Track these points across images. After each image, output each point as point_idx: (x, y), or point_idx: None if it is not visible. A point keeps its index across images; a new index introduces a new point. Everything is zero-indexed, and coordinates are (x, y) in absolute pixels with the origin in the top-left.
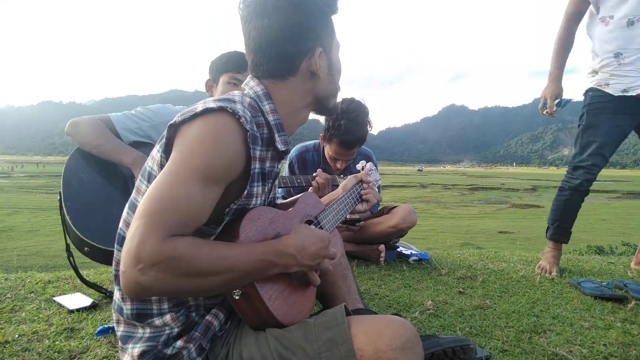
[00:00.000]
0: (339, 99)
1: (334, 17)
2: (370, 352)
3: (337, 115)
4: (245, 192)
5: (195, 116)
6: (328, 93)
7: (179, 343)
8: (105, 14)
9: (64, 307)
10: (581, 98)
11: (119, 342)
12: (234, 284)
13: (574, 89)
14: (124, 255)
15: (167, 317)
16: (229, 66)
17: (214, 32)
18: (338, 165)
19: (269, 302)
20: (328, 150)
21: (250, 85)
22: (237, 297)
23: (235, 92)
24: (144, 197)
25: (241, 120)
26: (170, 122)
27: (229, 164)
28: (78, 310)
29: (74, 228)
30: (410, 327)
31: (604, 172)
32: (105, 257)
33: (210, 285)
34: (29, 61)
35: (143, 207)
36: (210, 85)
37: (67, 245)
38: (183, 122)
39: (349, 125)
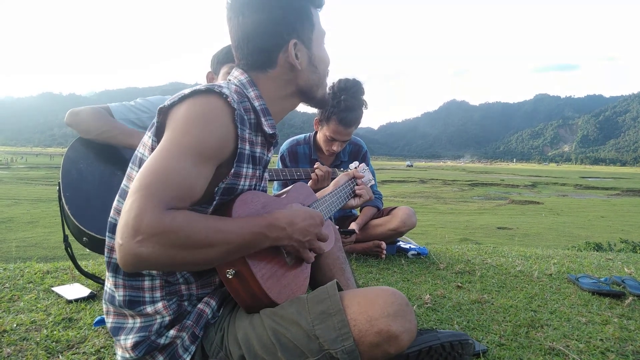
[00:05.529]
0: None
1: (324, 10)
2: (363, 321)
3: (335, 93)
4: (232, 171)
5: (184, 98)
6: (311, 83)
7: (172, 332)
8: (106, 4)
9: (62, 297)
10: (583, 94)
11: (111, 334)
12: (228, 257)
13: (575, 86)
14: (121, 227)
15: (159, 305)
16: (229, 57)
17: (215, 25)
18: (334, 148)
19: (262, 280)
20: (325, 132)
21: (235, 75)
22: (230, 277)
23: (221, 82)
24: (137, 175)
25: (229, 100)
26: (160, 107)
27: (219, 142)
28: (76, 300)
29: (72, 218)
30: (400, 295)
31: (604, 169)
32: (104, 248)
33: (205, 257)
34: (29, 52)
35: (137, 183)
36: (211, 77)
37: (66, 236)
38: (172, 105)
39: (348, 100)
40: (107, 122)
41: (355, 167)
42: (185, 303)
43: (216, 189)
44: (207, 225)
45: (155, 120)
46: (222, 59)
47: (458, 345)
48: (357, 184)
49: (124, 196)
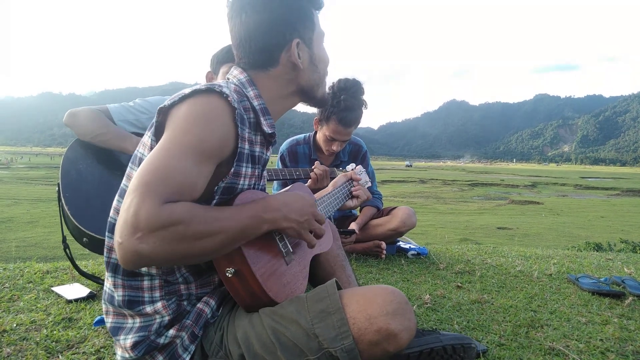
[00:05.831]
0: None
1: (323, 10)
2: (363, 319)
3: (334, 93)
4: (232, 170)
5: (185, 98)
6: (312, 82)
7: (171, 332)
8: (106, 4)
9: (62, 297)
10: (583, 94)
11: (110, 334)
12: (227, 246)
13: (575, 86)
14: (120, 226)
15: (159, 305)
16: (229, 57)
17: (215, 24)
18: (334, 147)
19: (262, 279)
20: (325, 132)
21: (234, 74)
22: (229, 276)
23: (220, 81)
24: (136, 173)
25: (229, 99)
26: (160, 106)
27: (220, 141)
28: (76, 300)
29: (72, 219)
30: (400, 294)
31: (604, 169)
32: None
33: (205, 248)
34: (29, 52)
35: (136, 181)
36: (211, 77)
37: (64, 237)
38: (173, 104)
39: (348, 100)
40: (103, 125)
41: (352, 169)
42: (185, 302)
43: (216, 188)
44: (205, 215)
45: (155, 119)
46: (222, 59)
47: (460, 348)
48: (353, 185)
49: (123, 195)
